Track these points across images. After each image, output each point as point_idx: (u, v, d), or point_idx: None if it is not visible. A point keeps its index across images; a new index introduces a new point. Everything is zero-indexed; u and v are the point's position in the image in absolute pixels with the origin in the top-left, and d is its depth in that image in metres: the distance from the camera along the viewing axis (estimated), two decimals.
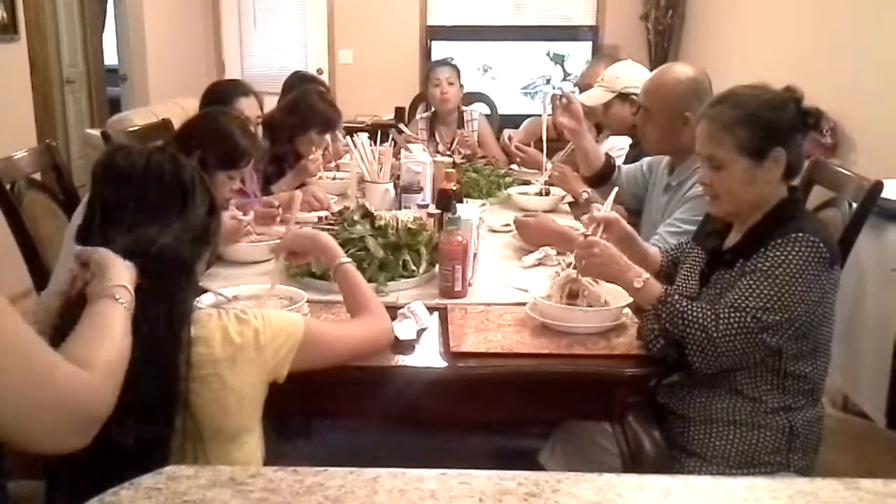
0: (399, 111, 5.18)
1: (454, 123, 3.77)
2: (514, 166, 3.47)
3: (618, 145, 2.99)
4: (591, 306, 1.70)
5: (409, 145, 3.17)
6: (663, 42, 5.57)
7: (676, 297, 1.56)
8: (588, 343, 1.62)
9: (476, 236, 2.04)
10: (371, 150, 2.77)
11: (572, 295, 1.71)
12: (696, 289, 1.69)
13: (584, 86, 3.19)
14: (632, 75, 2.85)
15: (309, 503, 0.87)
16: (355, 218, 2.14)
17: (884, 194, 2.00)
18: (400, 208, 2.54)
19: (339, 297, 1.64)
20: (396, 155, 2.85)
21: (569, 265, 1.75)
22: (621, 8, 5.80)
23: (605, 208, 1.82)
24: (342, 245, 1.86)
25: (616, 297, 1.71)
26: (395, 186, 2.68)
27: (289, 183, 2.92)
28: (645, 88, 2.34)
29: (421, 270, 1.95)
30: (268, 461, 1.35)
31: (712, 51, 4.98)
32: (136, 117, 3.96)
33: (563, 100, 2.52)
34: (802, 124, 1.59)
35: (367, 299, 1.57)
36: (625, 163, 2.72)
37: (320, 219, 2.48)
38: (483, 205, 2.73)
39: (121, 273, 1.14)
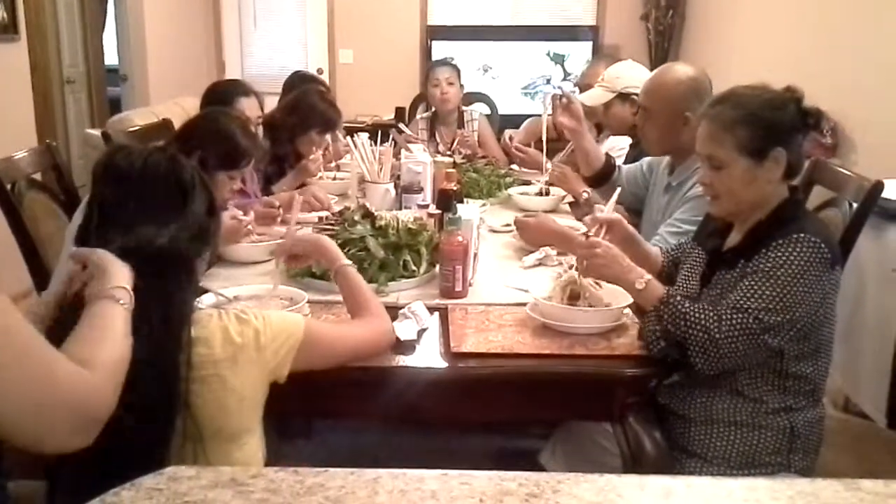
0: (399, 111, 5.18)
1: (454, 123, 3.77)
2: (514, 166, 3.47)
3: (618, 145, 3.00)
4: (591, 307, 1.70)
5: (410, 145, 3.17)
6: (664, 42, 5.57)
7: (679, 298, 1.56)
8: (589, 343, 1.62)
9: (476, 236, 2.04)
10: (371, 151, 2.77)
11: (574, 297, 1.71)
12: (697, 289, 1.69)
13: (584, 86, 3.19)
14: (632, 75, 2.85)
15: None
16: (356, 218, 2.14)
17: (884, 194, 2.00)
18: (400, 208, 2.54)
19: (340, 298, 1.64)
20: (397, 155, 2.85)
21: (571, 267, 1.75)
22: (622, 8, 5.80)
23: (607, 209, 1.82)
24: (343, 245, 1.86)
25: (617, 298, 1.71)
26: (396, 186, 2.68)
27: (289, 183, 2.92)
28: (645, 88, 2.34)
29: (421, 271, 1.95)
30: (268, 462, 1.35)
31: (713, 51, 4.98)
32: (137, 117, 3.96)
33: (564, 100, 2.52)
34: (803, 124, 1.59)
35: (368, 301, 1.57)
36: (625, 163, 2.72)
37: (321, 219, 2.47)
38: (483, 205, 2.73)
39: (120, 274, 1.14)
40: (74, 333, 1.05)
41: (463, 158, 3.37)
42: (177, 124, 2.84)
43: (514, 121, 4.12)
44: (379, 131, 2.99)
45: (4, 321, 0.88)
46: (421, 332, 1.66)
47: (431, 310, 1.76)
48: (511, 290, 1.92)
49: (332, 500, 0.88)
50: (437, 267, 1.90)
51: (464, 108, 3.82)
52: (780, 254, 1.49)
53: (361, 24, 5.99)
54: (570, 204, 2.84)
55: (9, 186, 2.20)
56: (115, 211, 1.25)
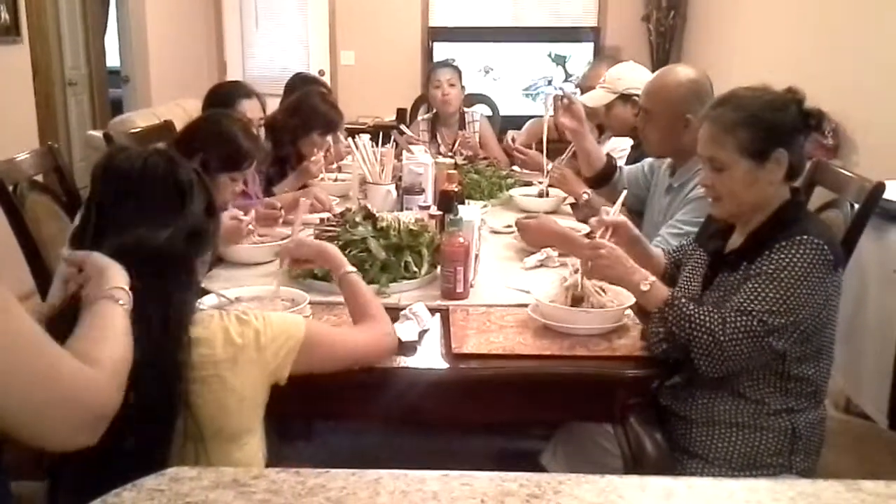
0: (401, 112, 5.18)
1: (456, 125, 3.78)
2: (515, 168, 3.47)
3: (619, 146, 3.00)
4: (592, 307, 1.70)
5: (411, 147, 3.17)
6: (665, 43, 5.57)
7: (683, 300, 1.56)
8: (590, 344, 1.62)
9: (477, 237, 2.04)
10: (373, 152, 2.77)
11: (576, 301, 1.71)
12: (699, 291, 1.68)
13: (585, 87, 3.19)
14: (633, 76, 2.86)
15: None
16: (357, 219, 2.14)
17: (886, 195, 2.00)
18: (402, 210, 2.54)
19: (341, 299, 1.64)
20: (398, 156, 2.85)
21: (576, 271, 1.75)
22: (623, 9, 5.80)
23: (613, 211, 1.82)
24: (344, 247, 1.87)
25: (620, 300, 1.70)
26: (397, 188, 2.68)
27: (291, 184, 2.93)
28: (646, 90, 2.34)
29: (423, 272, 1.95)
30: (269, 463, 1.35)
31: (714, 52, 4.98)
32: (138, 119, 3.97)
33: (565, 101, 2.52)
34: (804, 125, 1.59)
35: (371, 306, 1.57)
36: (626, 164, 2.72)
37: (322, 220, 2.48)
38: (485, 206, 2.73)
39: (117, 275, 1.14)
40: (76, 333, 1.05)
41: (464, 160, 3.38)
42: (178, 126, 2.85)
43: (516, 122, 4.12)
44: (380, 133, 3.00)
45: (7, 317, 0.88)
46: (422, 333, 1.66)
47: (433, 311, 1.76)
48: (512, 292, 1.92)
49: (334, 500, 0.88)
50: (439, 268, 1.90)
51: (465, 109, 3.82)
52: (783, 256, 1.49)
53: (363, 26, 6.00)
54: (571, 205, 2.84)
55: (11, 188, 2.21)
56: (114, 211, 1.26)
